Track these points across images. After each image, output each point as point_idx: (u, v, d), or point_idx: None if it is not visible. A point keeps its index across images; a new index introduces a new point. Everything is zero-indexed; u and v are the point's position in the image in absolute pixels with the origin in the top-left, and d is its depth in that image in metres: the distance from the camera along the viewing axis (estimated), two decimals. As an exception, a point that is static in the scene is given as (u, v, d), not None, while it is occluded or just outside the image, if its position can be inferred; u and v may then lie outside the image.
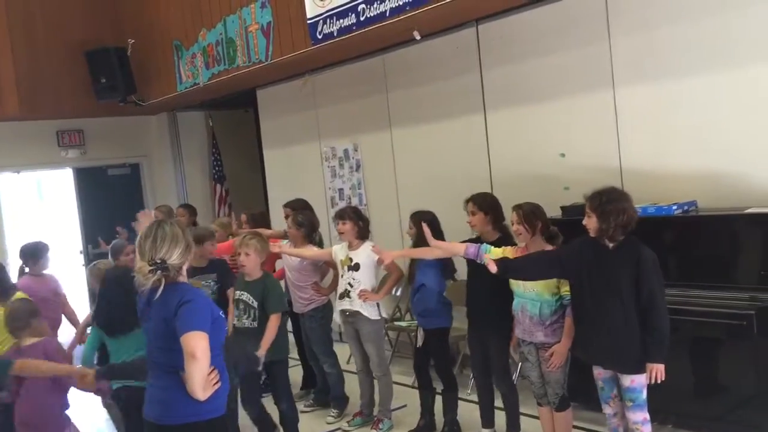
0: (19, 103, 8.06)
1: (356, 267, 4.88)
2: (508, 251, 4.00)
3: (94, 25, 8.50)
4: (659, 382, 3.45)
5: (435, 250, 4.13)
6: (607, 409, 3.73)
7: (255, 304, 4.52)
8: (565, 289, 3.86)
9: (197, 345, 2.67)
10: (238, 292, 4.67)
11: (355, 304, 4.88)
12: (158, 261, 2.77)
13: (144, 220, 3.88)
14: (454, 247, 4.12)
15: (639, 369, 3.49)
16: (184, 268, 2.89)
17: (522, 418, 4.51)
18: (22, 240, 8.60)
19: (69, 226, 9.52)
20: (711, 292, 4.11)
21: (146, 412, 2.92)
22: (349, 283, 4.90)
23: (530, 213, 3.97)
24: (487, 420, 4.59)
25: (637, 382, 3.52)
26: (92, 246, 9.08)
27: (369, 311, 4.86)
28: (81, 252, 9.25)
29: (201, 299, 2.87)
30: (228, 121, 9.88)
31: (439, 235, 4.52)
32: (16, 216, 9.24)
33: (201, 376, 2.69)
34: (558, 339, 3.92)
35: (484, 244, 4.10)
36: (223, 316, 3.03)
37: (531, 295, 3.96)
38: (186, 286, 2.89)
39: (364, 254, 4.87)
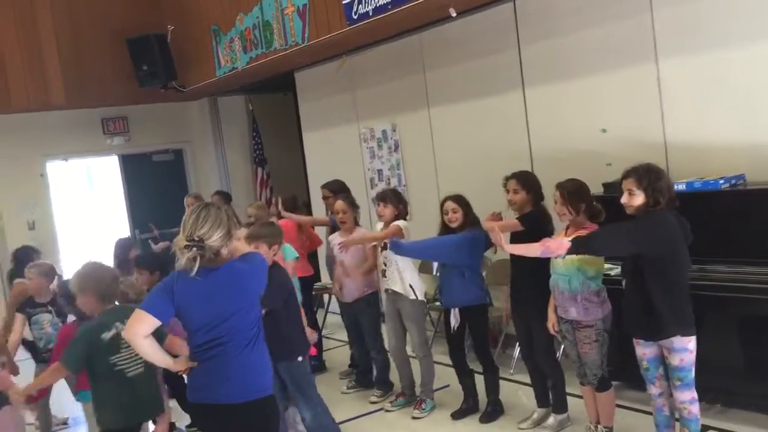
0: (65, 92, 8.25)
1: (386, 246, 4.89)
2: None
3: (134, 13, 8.62)
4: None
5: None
6: (653, 389, 3.65)
7: None
8: (591, 265, 3.80)
9: None
10: None
11: (390, 282, 4.91)
12: (195, 238, 2.79)
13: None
14: (529, 247, 3.76)
15: (672, 332, 3.42)
16: (225, 252, 2.90)
17: (568, 398, 4.47)
18: (72, 227, 8.84)
19: (117, 213, 9.73)
20: (761, 268, 3.98)
21: (211, 396, 2.93)
22: (384, 263, 4.93)
23: (574, 193, 3.89)
24: (541, 398, 4.55)
25: (686, 361, 3.44)
26: (140, 231, 9.29)
27: (405, 289, 4.86)
28: (128, 236, 9.44)
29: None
30: (267, 105, 9.93)
31: (473, 214, 4.60)
32: (66, 203, 9.48)
33: None
34: (591, 318, 3.86)
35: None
36: None
37: (561, 270, 3.91)
38: (230, 261, 2.94)
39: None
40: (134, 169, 9.63)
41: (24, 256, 5.53)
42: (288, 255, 4.95)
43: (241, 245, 3.35)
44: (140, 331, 2.86)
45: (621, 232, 3.52)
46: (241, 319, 2.90)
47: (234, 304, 2.89)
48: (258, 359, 2.96)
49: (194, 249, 2.78)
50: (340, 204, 5.26)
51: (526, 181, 4.33)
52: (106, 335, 3.41)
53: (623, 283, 3.75)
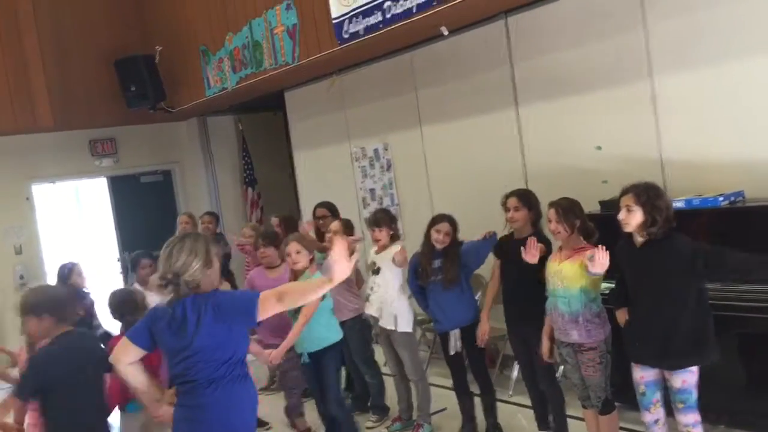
0: (52, 115, 8.16)
1: (377, 271, 4.81)
2: (549, 264, 3.95)
3: (121, 34, 8.58)
4: None
5: None
6: (647, 417, 3.58)
7: None
8: (588, 283, 3.74)
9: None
10: None
11: (372, 308, 4.85)
12: (169, 276, 2.74)
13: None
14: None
15: (687, 363, 3.37)
16: (205, 284, 2.82)
17: (569, 421, 4.38)
18: (60, 250, 8.70)
19: (106, 235, 9.61)
20: (761, 286, 3.92)
21: None
22: (371, 287, 4.85)
23: (569, 210, 3.83)
24: (541, 421, 4.47)
25: (689, 383, 3.38)
26: (129, 253, 9.17)
27: (386, 320, 4.77)
28: (118, 259, 9.33)
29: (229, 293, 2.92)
30: (257, 125, 9.87)
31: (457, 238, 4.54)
32: (54, 226, 9.36)
33: None
34: (594, 339, 3.79)
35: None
36: None
37: (560, 292, 3.84)
38: (210, 292, 2.84)
39: (387, 255, 4.77)
40: (123, 191, 9.52)
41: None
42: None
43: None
44: (124, 358, 2.89)
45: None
46: (208, 355, 2.78)
47: (199, 338, 2.77)
48: (224, 401, 2.82)
49: (170, 286, 2.73)
50: (336, 225, 5.20)
51: (527, 198, 4.29)
52: None
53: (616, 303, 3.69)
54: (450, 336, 4.57)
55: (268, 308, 2.75)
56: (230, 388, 2.83)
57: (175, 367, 2.86)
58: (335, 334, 4.57)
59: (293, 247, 4.48)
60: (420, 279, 4.63)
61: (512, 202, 4.26)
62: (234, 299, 2.87)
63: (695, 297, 3.39)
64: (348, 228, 5.25)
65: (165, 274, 2.75)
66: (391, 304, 4.75)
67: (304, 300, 2.95)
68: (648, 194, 3.41)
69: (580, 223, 3.86)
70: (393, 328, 4.76)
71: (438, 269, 4.52)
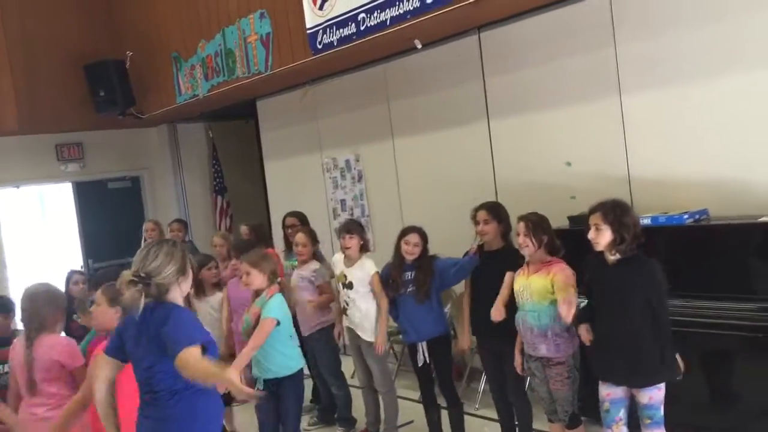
0: (18, 118, 8.02)
1: (350, 285, 4.78)
2: (517, 279, 3.98)
3: (92, 38, 8.46)
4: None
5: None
6: None
7: None
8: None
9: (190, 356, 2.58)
10: None
11: (352, 322, 4.81)
12: (142, 274, 2.69)
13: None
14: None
15: (657, 380, 3.41)
16: (175, 291, 2.78)
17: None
18: (22, 255, 8.51)
19: (70, 241, 9.44)
20: (725, 303, 3.99)
21: None
22: (346, 302, 4.83)
23: (538, 225, 3.87)
24: None
25: (655, 399, 3.42)
26: (93, 260, 9.03)
27: (365, 333, 4.76)
28: (81, 267, 9.16)
29: (185, 313, 2.80)
30: (228, 133, 9.80)
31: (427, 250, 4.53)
32: (17, 231, 9.16)
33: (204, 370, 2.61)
34: (563, 354, 3.82)
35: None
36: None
37: (529, 306, 3.87)
38: (171, 304, 2.77)
39: (360, 271, 4.75)
40: (89, 197, 9.36)
41: None
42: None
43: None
44: (101, 374, 2.85)
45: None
46: (167, 366, 2.69)
47: (156, 349, 2.72)
48: (186, 413, 2.76)
49: (139, 285, 2.68)
50: (300, 236, 5.17)
51: (497, 211, 4.30)
52: None
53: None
54: (418, 347, 4.56)
55: (179, 365, 2.63)
56: (194, 399, 2.77)
57: (139, 376, 2.82)
58: (295, 362, 4.29)
59: (243, 268, 4.26)
60: (391, 290, 4.62)
61: (482, 215, 4.28)
62: (172, 332, 2.69)
63: (658, 316, 3.43)
64: (313, 239, 5.21)
65: (137, 272, 2.70)
66: (371, 316, 4.74)
67: (198, 378, 2.70)
68: (615, 212, 3.45)
69: (548, 239, 3.89)
70: (373, 340, 4.74)
71: (410, 281, 4.51)
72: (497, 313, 4.04)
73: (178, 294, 2.80)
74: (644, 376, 3.44)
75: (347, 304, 4.82)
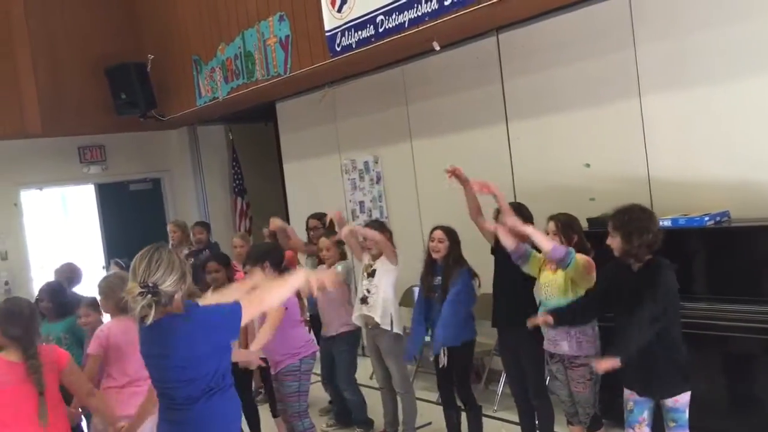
0: (41, 121, 8.14)
1: (373, 273, 4.84)
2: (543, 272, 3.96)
3: (114, 42, 8.56)
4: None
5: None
6: None
7: None
8: (581, 292, 3.77)
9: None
10: None
11: (371, 309, 4.83)
12: (150, 284, 2.61)
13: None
14: (543, 240, 3.82)
15: (677, 391, 3.37)
16: (178, 297, 2.72)
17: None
18: (47, 256, 8.59)
19: (92, 242, 9.56)
20: (746, 306, 3.96)
21: None
22: (367, 290, 4.86)
23: (567, 225, 3.89)
24: None
25: (681, 402, 3.39)
26: (114, 261, 9.13)
27: (383, 320, 4.77)
28: (103, 267, 9.27)
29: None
30: (248, 135, 9.87)
31: (459, 251, 4.51)
32: (41, 232, 9.29)
33: None
34: (585, 353, 3.80)
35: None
36: None
37: (552, 302, 3.87)
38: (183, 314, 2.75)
39: (383, 264, 4.83)
40: (111, 198, 9.48)
41: None
42: None
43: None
44: None
45: (591, 302, 3.61)
46: (178, 375, 2.69)
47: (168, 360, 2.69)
48: (201, 416, 2.74)
49: (149, 296, 2.59)
50: (324, 241, 5.21)
51: (520, 211, 4.25)
52: None
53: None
54: (440, 351, 4.54)
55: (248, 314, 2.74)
56: (213, 403, 2.74)
57: (157, 383, 2.82)
58: None
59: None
60: (422, 291, 4.66)
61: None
62: (217, 312, 2.78)
63: (665, 326, 3.37)
64: (338, 241, 5.25)
65: (144, 282, 2.61)
66: (390, 304, 4.79)
67: (274, 296, 2.88)
68: (623, 219, 3.41)
69: (578, 238, 3.90)
70: (389, 329, 4.76)
71: (438, 286, 4.51)
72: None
73: (178, 299, 2.73)
74: (660, 388, 3.42)
75: (368, 292, 4.85)
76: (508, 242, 4.00)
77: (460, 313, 4.47)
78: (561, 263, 3.76)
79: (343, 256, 5.29)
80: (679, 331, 3.43)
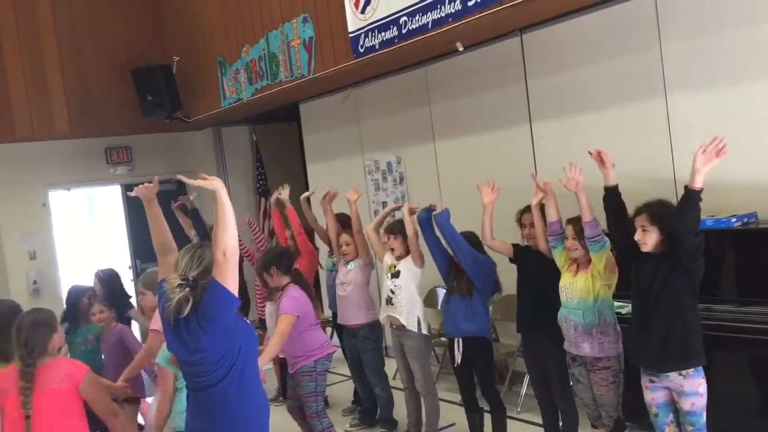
0: (69, 122, 8.26)
1: (397, 274, 4.86)
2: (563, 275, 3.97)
3: (140, 44, 8.66)
4: None
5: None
6: None
7: None
8: (603, 293, 3.75)
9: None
10: None
11: (396, 310, 4.84)
12: (190, 278, 2.72)
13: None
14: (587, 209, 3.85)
15: (686, 365, 3.38)
16: None
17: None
18: (73, 257, 8.69)
19: (118, 242, 9.67)
20: (774, 308, 3.91)
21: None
22: (391, 290, 4.88)
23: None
24: None
25: (698, 405, 3.38)
26: (141, 261, 9.23)
27: (410, 321, 4.78)
28: (130, 267, 9.38)
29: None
30: (271, 136, 9.92)
31: (479, 249, 4.53)
32: (67, 233, 9.42)
33: None
34: (606, 353, 3.78)
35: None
36: None
37: (573, 304, 3.87)
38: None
39: (406, 265, 4.86)
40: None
41: None
42: None
43: None
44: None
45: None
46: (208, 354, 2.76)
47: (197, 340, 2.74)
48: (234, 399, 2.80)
49: (187, 289, 2.70)
50: (345, 237, 5.24)
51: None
52: None
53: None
54: (455, 343, 4.57)
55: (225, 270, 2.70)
56: (244, 395, 2.82)
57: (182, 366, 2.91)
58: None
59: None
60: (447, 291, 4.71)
61: (528, 218, 4.32)
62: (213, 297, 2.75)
63: (689, 301, 3.42)
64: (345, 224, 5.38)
65: (185, 275, 2.72)
66: (416, 306, 4.82)
67: (228, 221, 2.77)
68: (662, 212, 3.43)
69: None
70: (417, 330, 4.79)
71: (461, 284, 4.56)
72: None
73: None
74: (672, 361, 3.41)
75: (392, 293, 4.87)
76: (553, 211, 4.01)
77: (477, 305, 4.50)
78: (593, 242, 3.72)
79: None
80: (694, 304, 3.44)
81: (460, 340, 4.54)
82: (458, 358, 4.56)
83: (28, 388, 3.17)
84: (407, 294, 4.82)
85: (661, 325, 3.42)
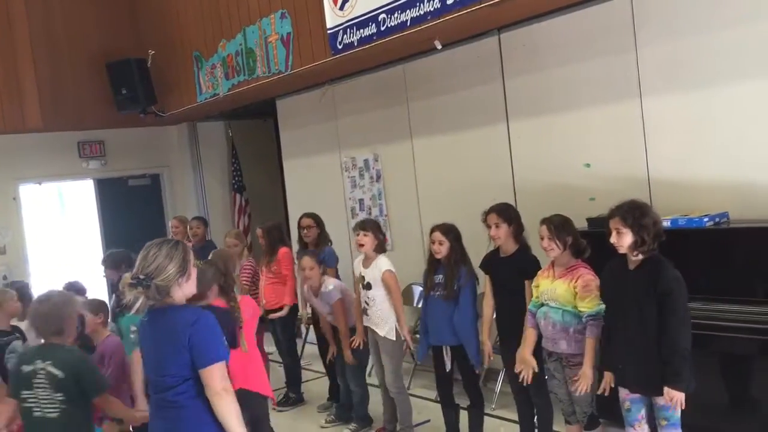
0: (41, 115, 8.11)
1: (368, 286, 4.83)
2: (540, 280, 3.98)
3: (114, 37, 8.54)
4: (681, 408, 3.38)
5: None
6: None
7: None
8: (583, 305, 3.77)
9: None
10: None
11: (371, 321, 4.85)
12: (141, 276, 2.68)
13: None
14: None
15: (661, 391, 3.39)
16: (176, 292, 2.74)
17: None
18: (44, 251, 8.56)
19: (90, 237, 9.55)
20: (744, 306, 3.98)
21: None
22: (366, 302, 4.87)
23: (561, 227, 3.87)
24: None
25: (673, 401, 3.40)
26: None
27: (387, 332, 4.79)
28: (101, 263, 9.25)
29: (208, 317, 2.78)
30: (247, 131, 9.87)
31: (461, 248, 4.49)
32: (38, 227, 9.27)
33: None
34: (583, 351, 3.81)
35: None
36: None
37: (554, 304, 3.90)
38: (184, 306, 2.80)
39: (375, 271, 4.81)
40: (109, 194, 9.46)
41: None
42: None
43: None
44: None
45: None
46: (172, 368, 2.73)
47: (165, 351, 2.73)
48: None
49: (138, 287, 2.67)
50: (307, 261, 5.19)
51: (507, 213, 4.28)
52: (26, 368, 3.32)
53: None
54: (443, 351, 4.54)
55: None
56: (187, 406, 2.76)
57: (152, 378, 2.87)
58: None
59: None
60: (424, 290, 4.67)
61: (492, 218, 4.25)
62: (203, 342, 2.72)
63: (664, 325, 3.41)
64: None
65: (137, 273, 2.69)
66: (391, 315, 4.79)
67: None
68: (634, 215, 3.45)
69: (572, 239, 3.89)
70: (393, 338, 4.78)
71: (440, 284, 4.49)
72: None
73: (180, 295, 2.76)
74: (654, 385, 3.42)
75: (367, 305, 4.86)
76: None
77: (465, 310, 4.46)
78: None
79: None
80: (679, 328, 3.43)
81: (449, 348, 4.51)
82: (448, 365, 4.54)
83: None
84: (381, 305, 4.79)
85: (645, 347, 3.44)
